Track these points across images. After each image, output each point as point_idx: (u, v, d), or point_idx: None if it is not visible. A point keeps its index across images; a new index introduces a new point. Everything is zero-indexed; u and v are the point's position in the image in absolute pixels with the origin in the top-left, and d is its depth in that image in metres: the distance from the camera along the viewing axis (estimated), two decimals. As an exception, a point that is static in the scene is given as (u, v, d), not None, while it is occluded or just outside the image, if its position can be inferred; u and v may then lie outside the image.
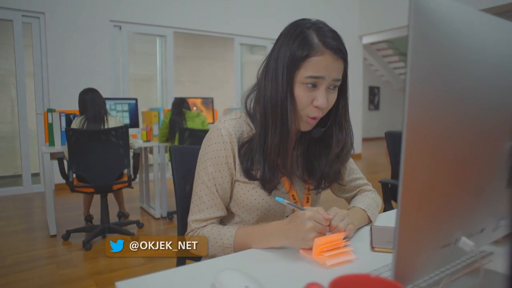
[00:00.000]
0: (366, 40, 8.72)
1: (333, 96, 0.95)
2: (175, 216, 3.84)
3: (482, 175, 0.59)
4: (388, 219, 1.12)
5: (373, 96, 12.81)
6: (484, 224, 0.63)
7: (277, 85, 0.94)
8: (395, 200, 1.93)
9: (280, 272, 0.78)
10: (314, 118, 0.96)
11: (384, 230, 0.98)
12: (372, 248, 0.89)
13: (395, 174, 1.86)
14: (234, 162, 1.00)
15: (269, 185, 1.00)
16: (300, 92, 0.92)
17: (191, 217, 1.02)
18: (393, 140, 1.88)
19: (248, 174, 0.99)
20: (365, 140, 11.28)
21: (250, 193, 1.02)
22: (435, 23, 0.51)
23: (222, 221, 1.08)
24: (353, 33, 7.89)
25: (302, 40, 0.91)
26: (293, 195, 1.05)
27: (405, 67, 0.50)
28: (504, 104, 0.61)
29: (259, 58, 7.57)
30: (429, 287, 0.66)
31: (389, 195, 1.84)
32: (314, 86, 0.92)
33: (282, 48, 0.94)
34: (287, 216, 1.06)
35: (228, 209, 1.06)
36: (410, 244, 0.52)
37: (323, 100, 0.91)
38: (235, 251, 0.94)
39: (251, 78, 7.34)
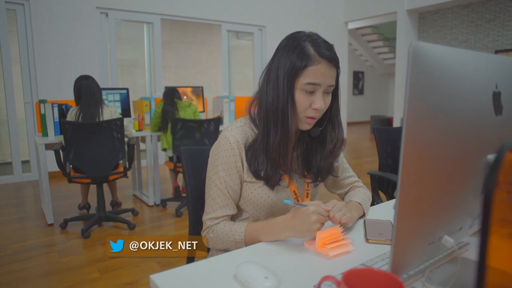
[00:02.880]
0: (351, 25, 8.82)
1: (328, 99, 1.09)
2: (168, 203, 3.95)
3: (463, 185, 0.72)
4: (378, 212, 1.27)
5: (357, 81, 12.99)
6: (462, 223, 0.76)
7: (278, 91, 1.06)
8: (383, 191, 2.08)
9: (290, 264, 0.90)
10: (312, 119, 1.09)
11: (376, 224, 1.12)
12: (367, 240, 1.02)
13: (382, 166, 2.01)
14: (242, 166, 1.12)
15: (271, 182, 1.12)
16: (300, 97, 1.05)
17: (206, 216, 1.14)
18: (381, 136, 2.02)
19: (256, 174, 1.12)
20: (349, 124, 11.51)
21: (257, 192, 1.14)
22: (428, 62, 0.63)
23: (232, 217, 1.20)
24: (339, 20, 7.97)
25: (300, 51, 1.03)
26: (294, 191, 1.18)
27: (404, 96, 0.62)
28: (482, 124, 0.73)
29: (245, 44, 7.59)
30: (416, 275, 0.80)
31: (377, 186, 1.99)
32: (312, 91, 1.04)
33: (282, 59, 1.06)
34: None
35: (237, 206, 1.18)
36: (404, 243, 0.65)
37: (320, 103, 1.04)
38: (246, 245, 1.06)
39: (237, 64, 7.38)
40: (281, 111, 1.06)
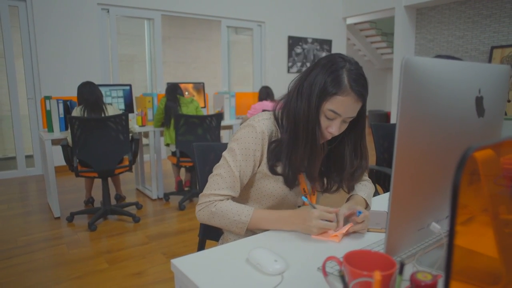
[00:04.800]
0: (350, 21, 8.88)
1: (345, 126, 1.17)
2: (171, 197, 4.05)
3: (448, 178, 0.82)
4: (375, 204, 1.37)
5: (355, 75, 13.04)
6: (448, 212, 0.86)
7: (309, 106, 1.13)
8: (379, 184, 2.19)
9: (296, 249, 1.00)
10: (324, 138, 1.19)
11: (374, 214, 1.22)
12: (365, 228, 1.13)
13: (379, 160, 2.11)
14: (261, 156, 1.20)
15: (291, 183, 1.21)
16: (322, 118, 1.15)
17: (208, 191, 1.17)
18: (378, 131, 2.12)
19: (272, 169, 1.20)
20: (347, 119, 11.58)
21: (272, 185, 1.23)
22: (419, 73, 0.72)
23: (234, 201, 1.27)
24: (337, 15, 8.03)
25: (335, 78, 1.10)
26: (304, 188, 1.27)
27: (397, 103, 0.72)
28: (467, 125, 0.83)
29: (244, 39, 7.65)
30: (408, 258, 0.90)
31: (374, 180, 2.09)
32: (332, 118, 1.14)
33: (318, 77, 1.13)
34: (298, 206, 1.29)
35: (246, 194, 1.27)
36: (397, 229, 0.75)
37: (336, 130, 1.14)
38: (248, 228, 1.14)
39: (236, 59, 7.44)
40: (310, 126, 1.14)
